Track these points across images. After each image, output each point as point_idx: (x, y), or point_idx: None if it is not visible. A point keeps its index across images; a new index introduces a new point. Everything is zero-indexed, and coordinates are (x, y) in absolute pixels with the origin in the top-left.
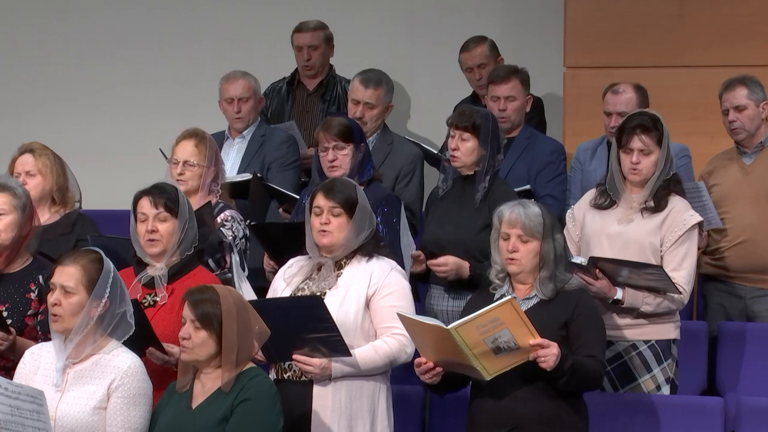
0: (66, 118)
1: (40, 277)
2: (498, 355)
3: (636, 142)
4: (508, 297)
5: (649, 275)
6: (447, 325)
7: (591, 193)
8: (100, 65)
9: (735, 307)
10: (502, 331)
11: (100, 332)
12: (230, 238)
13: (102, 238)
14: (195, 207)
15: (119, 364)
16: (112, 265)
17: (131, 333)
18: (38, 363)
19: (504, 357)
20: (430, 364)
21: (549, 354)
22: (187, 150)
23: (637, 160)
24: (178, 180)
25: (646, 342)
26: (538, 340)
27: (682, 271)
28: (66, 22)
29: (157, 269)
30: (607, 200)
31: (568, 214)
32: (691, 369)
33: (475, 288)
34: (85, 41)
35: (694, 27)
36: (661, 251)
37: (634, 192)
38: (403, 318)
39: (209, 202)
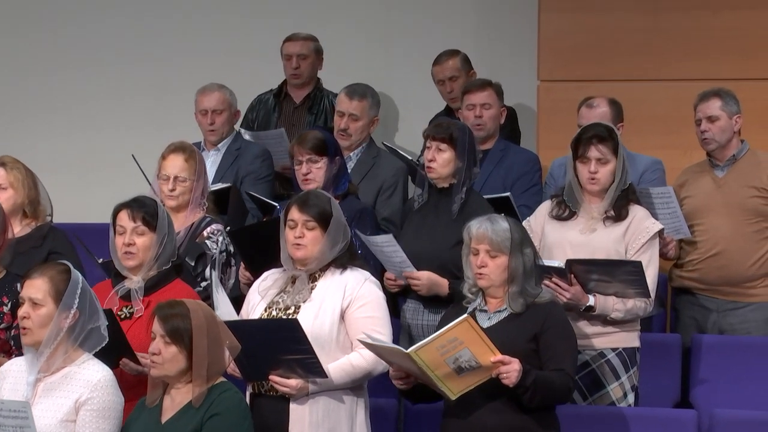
0: (41, 132)
1: (18, 286)
2: (461, 374)
3: (593, 152)
4: (464, 316)
5: (625, 274)
6: (408, 348)
7: (547, 205)
8: (75, 78)
9: (707, 320)
10: (462, 350)
11: (71, 343)
12: (215, 251)
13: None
14: (185, 221)
15: (89, 377)
16: (80, 276)
17: (104, 344)
18: (5, 377)
19: (467, 376)
20: (402, 372)
21: (510, 370)
22: (177, 165)
23: (594, 169)
24: (168, 196)
25: (613, 350)
26: (499, 357)
27: (646, 278)
28: (40, 35)
29: (134, 282)
30: (566, 211)
31: (524, 224)
32: (665, 382)
33: (451, 302)
34: (59, 54)
35: (668, 41)
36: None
37: (593, 202)
38: (366, 344)
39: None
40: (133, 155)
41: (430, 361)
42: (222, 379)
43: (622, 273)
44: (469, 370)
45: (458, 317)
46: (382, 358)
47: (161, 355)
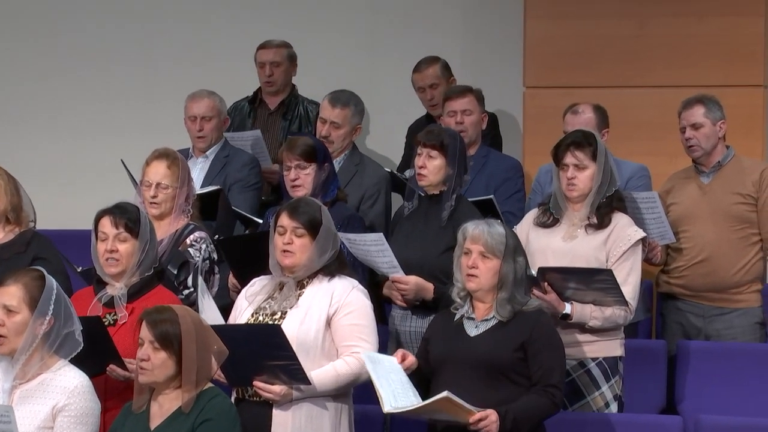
0: (25, 138)
1: None
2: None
3: (569, 158)
4: (444, 394)
5: (599, 282)
6: (390, 406)
7: (533, 213)
8: (60, 84)
9: (693, 326)
10: (441, 414)
11: (47, 350)
12: (198, 258)
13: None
14: (169, 228)
15: (66, 384)
16: (54, 282)
17: (79, 350)
18: None
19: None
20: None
21: (489, 423)
22: (159, 172)
23: (572, 175)
24: (151, 203)
25: (593, 359)
26: (478, 415)
27: (627, 286)
28: (25, 42)
29: (117, 289)
30: (550, 218)
31: None
32: (650, 387)
33: (437, 309)
34: (44, 60)
35: (654, 47)
36: (606, 267)
37: (576, 209)
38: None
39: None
40: (122, 160)
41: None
42: (210, 384)
43: (595, 281)
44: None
45: (447, 324)
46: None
47: (150, 361)
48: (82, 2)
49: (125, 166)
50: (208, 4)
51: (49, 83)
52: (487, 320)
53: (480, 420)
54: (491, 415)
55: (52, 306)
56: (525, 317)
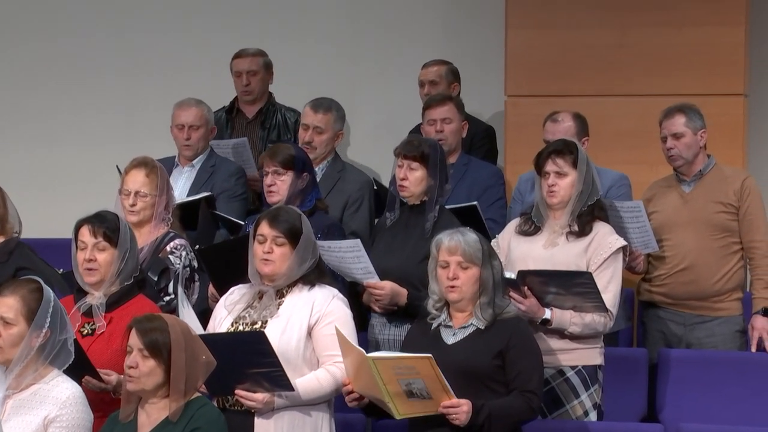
0: (8, 146)
1: None
2: (410, 399)
3: (550, 165)
4: (427, 355)
5: (579, 287)
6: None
7: (515, 222)
8: (42, 93)
9: (674, 334)
10: (417, 379)
11: (41, 361)
12: (178, 265)
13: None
14: (149, 236)
15: (58, 395)
16: (52, 294)
17: (71, 361)
18: None
19: (416, 403)
20: (350, 388)
21: (459, 411)
22: (138, 180)
23: (552, 182)
24: (130, 211)
25: (573, 368)
26: (449, 402)
27: (608, 293)
28: (6, 51)
29: (96, 298)
30: (531, 227)
31: (493, 242)
32: (632, 396)
33: (414, 317)
34: (26, 69)
35: (634, 56)
36: None
37: (557, 217)
38: (340, 337)
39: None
40: (117, 166)
41: (384, 374)
42: (197, 393)
43: (574, 285)
44: (420, 398)
45: (423, 335)
46: (344, 360)
47: (138, 368)
48: (63, 12)
49: (120, 172)
50: (188, 13)
51: (30, 92)
52: (464, 327)
53: (451, 407)
54: (463, 405)
55: (49, 318)
56: (503, 325)
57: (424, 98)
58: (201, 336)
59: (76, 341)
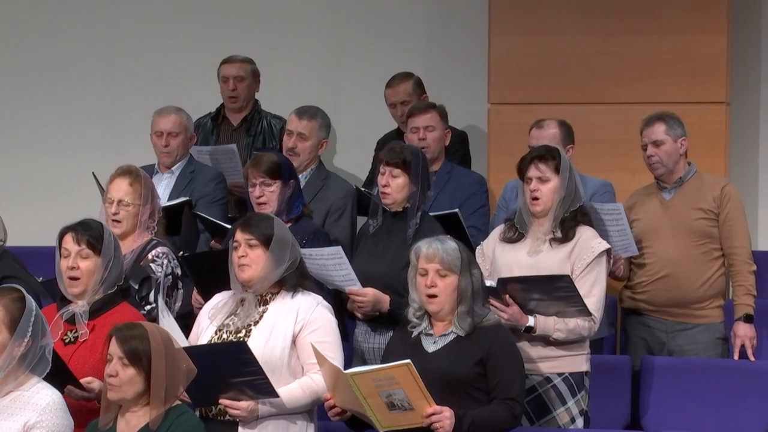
0: None
1: None
2: (392, 411)
3: (532, 171)
4: (406, 361)
5: (561, 291)
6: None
7: (499, 229)
8: (25, 101)
9: (656, 341)
10: (397, 389)
11: (23, 369)
12: (160, 274)
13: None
14: (132, 244)
15: (38, 401)
16: (34, 303)
17: (49, 368)
18: None
19: (398, 415)
20: (332, 402)
21: (443, 419)
22: (121, 189)
23: (535, 187)
24: (113, 220)
25: (559, 375)
26: (431, 409)
27: (591, 297)
28: None
29: (79, 306)
30: (515, 233)
31: (478, 250)
32: (615, 403)
33: (398, 323)
34: (7, 77)
35: (617, 64)
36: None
37: (540, 223)
38: (315, 352)
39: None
40: (93, 173)
41: (364, 389)
42: (178, 402)
43: (555, 290)
44: (401, 410)
45: (404, 344)
46: (323, 375)
47: (118, 377)
48: (45, 19)
49: (96, 179)
50: (171, 22)
51: (12, 100)
52: (445, 335)
53: (434, 414)
54: (445, 411)
55: (31, 328)
56: (483, 332)
57: (398, 119)
58: (184, 348)
59: (55, 352)
